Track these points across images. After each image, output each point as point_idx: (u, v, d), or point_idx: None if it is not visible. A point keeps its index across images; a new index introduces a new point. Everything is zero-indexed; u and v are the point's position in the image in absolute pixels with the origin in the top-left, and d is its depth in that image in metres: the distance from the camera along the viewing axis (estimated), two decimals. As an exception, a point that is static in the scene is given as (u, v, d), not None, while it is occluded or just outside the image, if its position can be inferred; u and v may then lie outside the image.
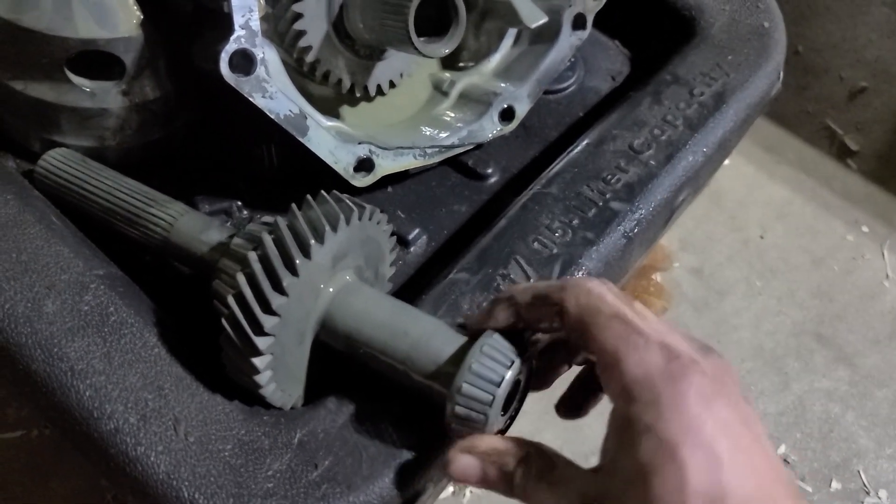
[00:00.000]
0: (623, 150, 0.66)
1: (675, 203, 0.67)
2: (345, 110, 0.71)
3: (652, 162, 0.66)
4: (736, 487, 0.37)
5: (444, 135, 0.71)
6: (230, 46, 0.56)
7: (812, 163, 1.02)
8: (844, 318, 0.90)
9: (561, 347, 0.51)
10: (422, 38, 0.61)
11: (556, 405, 0.54)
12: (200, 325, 0.54)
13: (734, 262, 0.93)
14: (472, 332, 0.50)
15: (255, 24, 0.56)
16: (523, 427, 0.79)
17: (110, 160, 0.65)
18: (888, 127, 1.05)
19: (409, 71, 0.72)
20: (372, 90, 0.70)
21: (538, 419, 0.80)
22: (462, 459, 0.46)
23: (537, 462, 0.44)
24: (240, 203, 0.68)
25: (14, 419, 0.72)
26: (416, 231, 0.68)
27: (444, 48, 0.62)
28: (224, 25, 0.56)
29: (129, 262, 0.59)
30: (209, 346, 0.53)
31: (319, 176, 0.63)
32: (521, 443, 0.46)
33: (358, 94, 0.70)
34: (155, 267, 0.63)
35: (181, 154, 0.69)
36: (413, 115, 0.75)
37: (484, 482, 0.47)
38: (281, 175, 0.70)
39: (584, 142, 0.68)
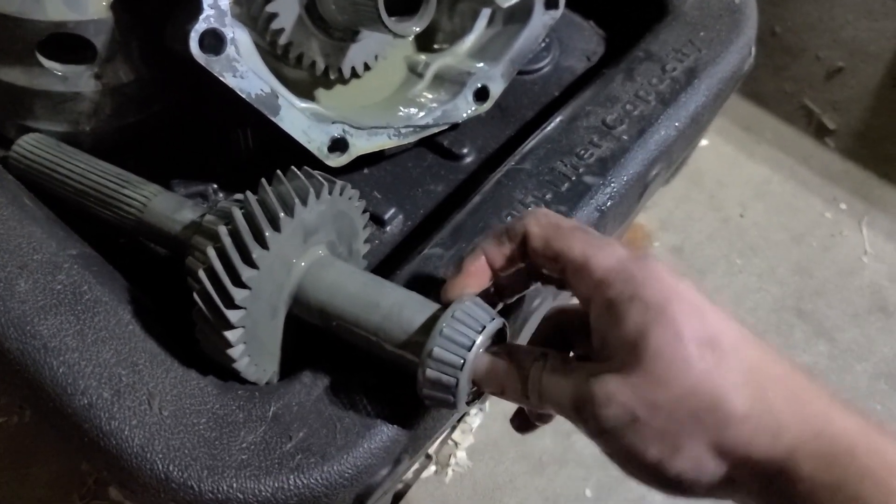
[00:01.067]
0: (596, 125, 0.67)
1: (647, 177, 0.67)
2: (320, 93, 0.71)
3: (624, 137, 0.66)
4: (726, 330, 0.41)
5: (419, 115, 0.71)
6: (199, 26, 0.56)
7: (790, 142, 1.02)
8: (824, 293, 0.90)
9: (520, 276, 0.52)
10: (393, 18, 0.61)
11: (510, 419, 0.56)
12: (175, 304, 0.55)
13: (714, 241, 0.93)
14: (446, 302, 0.50)
15: (225, 3, 0.57)
16: (504, 406, 0.79)
17: (85, 145, 0.65)
18: (865, 105, 1.06)
19: (383, 53, 0.72)
20: (346, 72, 0.70)
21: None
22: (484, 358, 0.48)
23: (553, 359, 0.46)
24: (216, 186, 0.68)
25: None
26: (392, 210, 0.69)
27: (415, 26, 0.62)
28: (193, 5, 0.56)
29: (103, 244, 0.60)
30: (184, 324, 0.53)
31: (295, 158, 0.63)
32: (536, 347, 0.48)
33: (332, 77, 0.70)
34: (129, 249, 0.63)
35: (157, 138, 0.69)
36: (388, 96, 0.75)
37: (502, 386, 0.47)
38: (256, 158, 0.71)
39: (558, 118, 0.69)
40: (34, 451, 0.70)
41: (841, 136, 1.04)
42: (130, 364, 0.51)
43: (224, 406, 0.51)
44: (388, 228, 0.68)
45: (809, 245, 0.94)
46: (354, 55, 0.70)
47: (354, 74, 0.71)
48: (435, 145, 0.74)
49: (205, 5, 0.56)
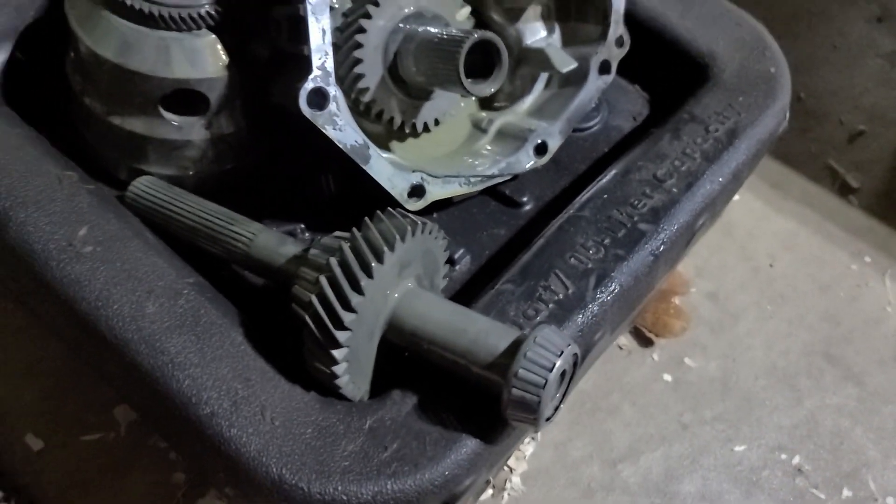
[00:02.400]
0: (648, 178, 0.74)
1: (695, 226, 0.74)
2: (395, 145, 0.79)
3: (674, 189, 0.73)
4: None
5: (485, 166, 0.79)
6: (308, 84, 0.64)
7: (816, 198, 1.09)
8: (851, 340, 0.96)
9: None
10: (469, 80, 0.69)
11: None
12: (274, 328, 0.62)
13: (746, 289, 1.00)
14: None
15: (330, 65, 0.65)
16: (555, 436, 0.86)
17: (188, 187, 0.73)
18: (886, 166, 1.13)
19: (452, 110, 0.80)
20: (419, 127, 0.78)
21: (568, 429, 0.86)
22: None
23: None
24: (303, 226, 0.76)
25: (94, 423, 0.78)
26: (461, 251, 0.76)
27: (490, 87, 0.70)
28: (303, 66, 0.64)
29: (208, 274, 0.67)
30: (284, 346, 0.60)
31: (372, 201, 0.70)
32: None
33: (407, 131, 0.78)
34: (230, 279, 0.70)
35: (250, 182, 0.77)
36: (455, 149, 0.83)
37: None
38: (338, 201, 0.78)
39: (612, 172, 0.76)
40: (127, 467, 0.76)
41: (864, 194, 1.11)
42: (244, 379, 0.58)
43: (326, 419, 0.58)
44: (457, 267, 0.75)
45: (836, 295, 1.00)
46: (427, 112, 0.78)
47: (426, 129, 0.79)
48: (497, 193, 0.81)
49: (314, 67, 0.64)
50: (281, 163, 0.78)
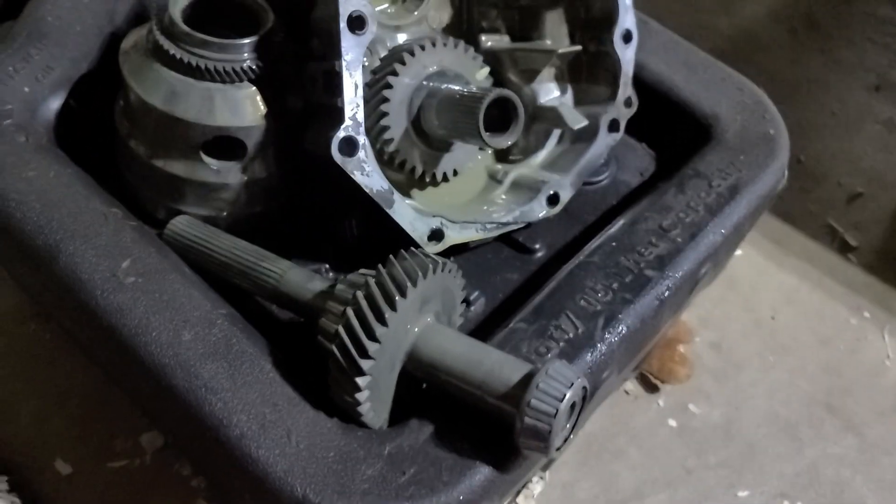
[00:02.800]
0: (654, 228, 0.79)
1: (698, 274, 0.78)
2: (415, 193, 0.84)
3: (679, 239, 0.78)
4: None
5: (500, 214, 0.83)
6: (340, 133, 0.69)
7: (816, 255, 1.13)
8: (851, 391, 0.99)
9: None
10: (487, 133, 0.74)
11: None
12: (300, 358, 0.66)
13: (749, 339, 1.03)
14: None
15: (361, 116, 0.70)
16: (563, 476, 0.88)
17: (221, 227, 0.78)
18: (883, 227, 1.18)
19: (469, 162, 0.85)
20: (439, 177, 0.83)
21: (576, 470, 0.89)
22: None
23: None
24: (327, 266, 0.80)
25: (121, 449, 0.82)
26: (476, 293, 0.80)
27: (507, 140, 0.75)
28: (335, 117, 0.70)
29: (238, 307, 0.71)
30: (308, 375, 0.64)
31: (393, 244, 0.75)
32: None
33: (427, 180, 0.83)
34: (258, 312, 0.75)
35: (278, 223, 0.81)
36: (472, 198, 0.88)
37: None
38: (360, 243, 0.82)
39: (620, 221, 0.81)
40: (152, 492, 0.79)
41: (863, 252, 1.15)
42: (272, 404, 0.62)
43: (348, 444, 0.61)
44: (472, 308, 0.79)
45: (837, 348, 1.03)
46: (446, 163, 0.83)
47: (445, 179, 0.84)
48: (510, 240, 0.86)
49: (346, 117, 0.69)
50: (307, 206, 0.83)
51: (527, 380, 0.59)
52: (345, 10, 0.68)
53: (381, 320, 0.60)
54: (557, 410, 0.57)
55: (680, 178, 0.84)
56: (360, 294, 0.61)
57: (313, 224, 0.82)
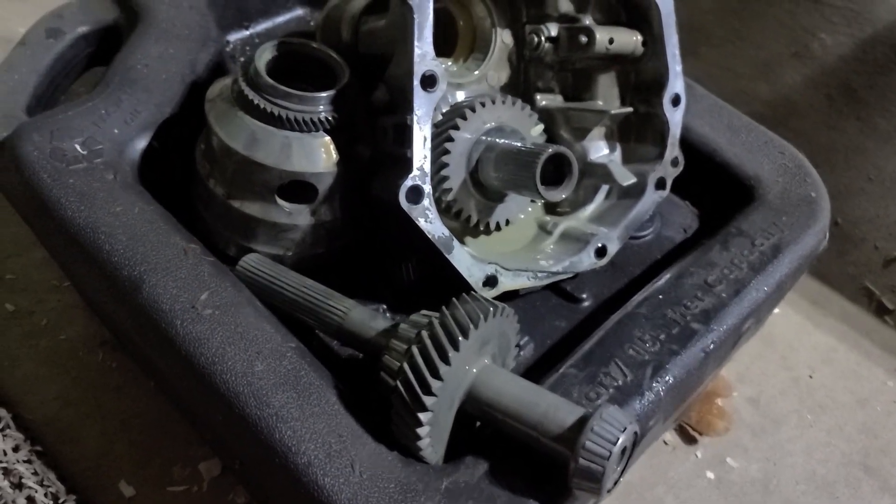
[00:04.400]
0: (699, 283, 0.82)
1: (741, 329, 0.81)
2: (469, 240, 0.88)
3: (723, 294, 0.81)
4: None
5: (549, 264, 0.87)
6: (408, 182, 0.74)
7: (853, 317, 1.16)
8: (888, 453, 1.00)
9: None
10: (543, 186, 0.78)
11: None
12: (361, 392, 0.69)
13: (786, 397, 1.05)
14: None
15: (427, 167, 0.75)
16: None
17: (286, 265, 0.82)
18: (920, 291, 1.21)
19: (521, 212, 0.89)
20: (492, 226, 0.87)
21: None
22: None
23: None
24: (385, 307, 0.84)
25: (179, 476, 0.85)
26: (526, 338, 0.83)
27: (562, 194, 0.80)
28: (404, 166, 0.74)
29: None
30: (369, 408, 0.68)
31: (447, 288, 0.79)
32: None
33: (481, 228, 0.87)
34: (319, 347, 0.78)
35: (338, 264, 0.86)
36: (522, 247, 0.92)
37: None
38: (416, 285, 0.86)
39: (667, 275, 0.84)
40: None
41: (899, 315, 1.18)
42: (337, 435, 0.65)
43: (408, 476, 0.64)
44: (522, 352, 0.82)
45: (874, 409, 1.05)
46: (500, 213, 0.87)
47: (497, 228, 0.88)
48: (558, 289, 0.89)
49: (414, 168, 0.74)
50: (367, 248, 0.87)
51: (581, 423, 0.62)
52: (419, 70, 0.73)
53: (445, 359, 0.64)
54: (611, 453, 0.60)
55: (724, 236, 0.88)
56: (424, 333, 0.65)
57: (372, 265, 0.87)
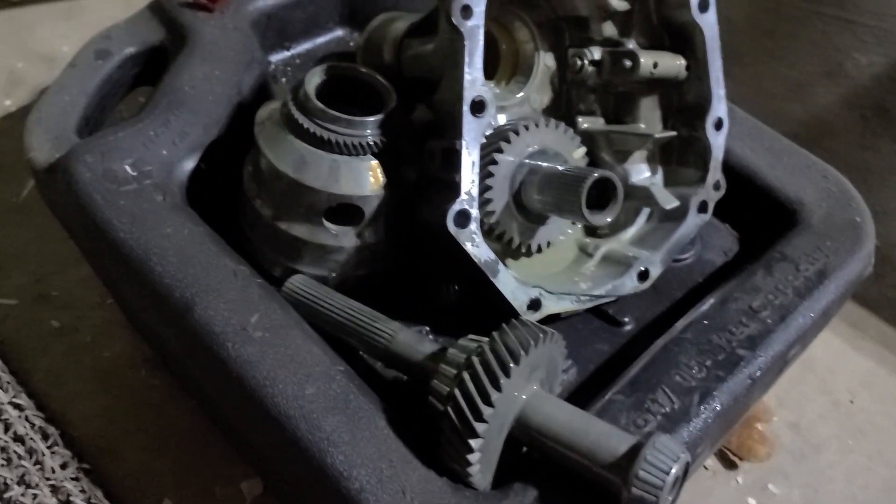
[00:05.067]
0: (744, 308, 0.81)
1: (787, 355, 0.81)
2: (510, 262, 0.88)
3: (769, 320, 0.80)
4: None
5: (590, 286, 0.87)
6: (456, 206, 0.74)
7: (893, 341, 1.14)
8: (931, 480, 0.99)
9: None
10: (587, 210, 0.79)
11: None
12: (407, 416, 0.69)
13: (826, 421, 1.04)
14: None
15: (475, 191, 0.75)
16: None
17: (329, 286, 0.83)
18: (960, 315, 1.19)
19: (562, 234, 0.90)
20: (534, 248, 0.87)
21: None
22: None
23: None
24: (428, 329, 0.84)
25: (221, 495, 0.85)
26: (569, 363, 0.83)
27: (607, 218, 0.80)
28: (452, 190, 0.75)
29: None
30: (417, 433, 0.68)
31: (490, 310, 0.79)
32: None
33: (523, 251, 0.87)
34: (363, 369, 0.79)
35: (381, 285, 0.86)
36: (562, 270, 0.92)
37: None
38: (459, 307, 0.87)
39: (711, 300, 0.84)
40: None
41: (940, 339, 1.17)
42: (388, 460, 0.65)
43: (458, 503, 0.64)
44: (565, 377, 0.82)
45: (915, 435, 1.04)
46: (542, 235, 0.87)
47: (539, 250, 0.88)
48: (600, 312, 0.89)
49: (462, 192, 0.74)
50: (410, 270, 0.87)
51: (634, 452, 0.62)
52: (469, 95, 0.73)
53: (496, 385, 0.64)
54: (664, 483, 0.59)
55: (767, 261, 0.87)
56: (475, 359, 0.65)
57: (412, 287, 0.87)
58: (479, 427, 0.63)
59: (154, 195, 0.80)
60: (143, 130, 0.83)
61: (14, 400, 0.84)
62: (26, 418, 0.83)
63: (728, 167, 0.94)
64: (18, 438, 0.81)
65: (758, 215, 0.96)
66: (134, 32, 0.98)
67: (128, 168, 0.80)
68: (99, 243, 0.77)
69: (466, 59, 0.73)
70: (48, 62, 1.23)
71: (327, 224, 0.80)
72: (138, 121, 0.85)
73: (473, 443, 0.64)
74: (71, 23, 1.31)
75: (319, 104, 0.77)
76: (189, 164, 0.85)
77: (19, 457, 0.80)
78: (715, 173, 0.91)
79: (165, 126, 0.85)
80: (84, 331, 0.96)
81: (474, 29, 0.73)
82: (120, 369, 0.93)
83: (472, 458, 0.64)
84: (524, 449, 0.71)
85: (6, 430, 0.81)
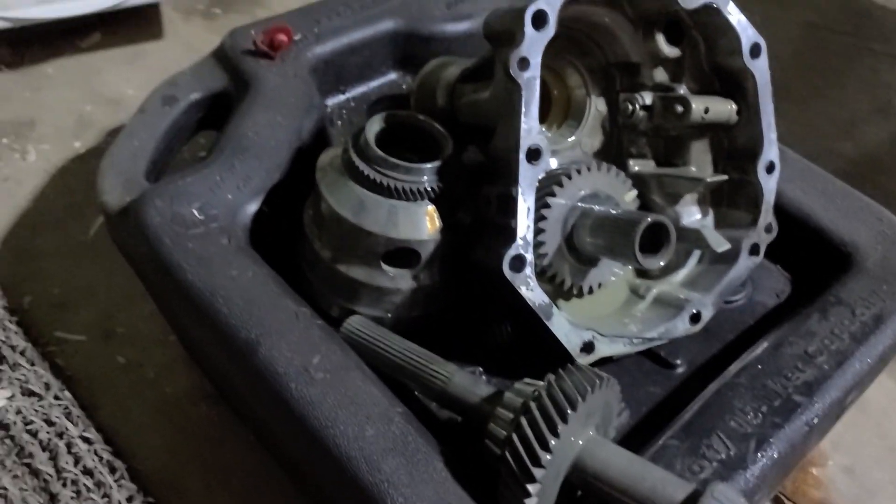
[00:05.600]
0: (799, 353, 0.81)
1: (845, 402, 0.80)
2: (561, 303, 0.90)
3: (825, 366, 0.80)
4: None
5: (641, 328, 0.88)
6: (511, 251, 0.76)
7: (950, 384, 1.13)
8: None
9: None
10: (640, 253, 0.79)
11: None
12: (461, 458, 0.70)
13: (882, 466, 1.02)
14: None
15: (530, 236, 0.77)
16: None
17: (384, 327, 0.85)
18: None
19: (613, 276, 0.90)
20: (585, 290, 0.88)
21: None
22: None
23: None
24: (481, 369, 0.86)
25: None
26: (622, 406, 0.84)
27: (660, 261, 0.81)
28: (508, 235, 0.77)
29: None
30: (472, 475, 0.69)
31: (542, 351, 0.80)
32: None
33: (574, 292, 0.88)
34: (420, 410, 0.80)
35: (435, 326, 0.88)
36: (613, 311, 0.92)
37: None
38: (510, 348, 0.88)
39: (764, 344, 0.84)
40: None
41: None
42: (446, 503, 0.66)
43: (515, 546, 0.65)
44: (619, 420, 0.83)
45: (973, 480, 1.02)
46: (593, 277, 0.88)
47: (590, 291, 0.89)
48: (652, 354, 0.89)
49: (518, 237, 0.76)
50: (462, 311, 0.89)
51: (692, 500, 0.62)
52: (525, 144, 0.75)
53: (554, 431, 0.65)
54: (725, 532, 0.60)
55: (822, 305, 0.87)
56: (532, 404, 0.66)
57: (464, 327, 0.89)
58: (537, 472, 0.64)
59: (220, 238, 0.83)
60: (210, 175, 0.87)
61: (84, 434, 0.87)
62: (95, 452, 0.86)
63: (780, 209, 0.95)
64: (87, 471, 0.84)
65: (811, 258, 0.96)
66: (199, 79, 1.02)
67: (195, 212, 0.84)
68: (167, 284, 0.80)
69: (523, 109, 0.75)
70: (114, 105, 1.29)
71: (385, 267, 0.82)
72: (205, 166, 0.88)
73: (531, 487, 0.64)
74: (135, 66, 1.37)
75: (379, 151, 0.80)
76: (252, 208, 0.88)
77: (88, 489, 0.83)
78: (767, 216, 0.91)
79: (231, 171, 0.88)
80: (148, 367, 0.99)
81: (531, 80, 0.75)
82: (181, 404, 0.96)
83: (529, 502, 0.65)
84: (579, 493, 0.72)
85: (76, 462, 0.84)
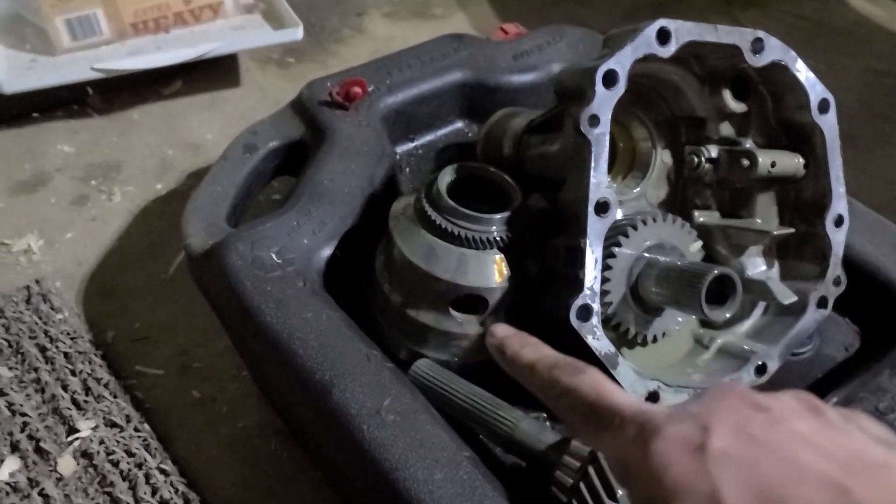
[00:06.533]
0: (870, 410, 0.81)
1: (917, 460, 0.79)
2: (625, 351, 0.91)
3: (897, 423, 0.79)
4: None
5: (706, 379, 0.88)
6: (579, 301, 0.78)
7: None
8: None
9: None
10: (706, 305, 0.80)
11: None
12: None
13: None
14: None
15: (597, 287, 0.79)
16: None
17: (452, 371, 0.87)
18: None
19: (677, 325, 0.91)
20: (649, 339, 0.89)
21: None
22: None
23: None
24: (545, 415, 0.87)
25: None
26: (686, 456, 0.84)
27: (726, 314, 0.81)
28: (575, 285, 0.78)
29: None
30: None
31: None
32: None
33: (638, 341, 0.89)
34: (485, 454, 0.82)
35: (499, 373, 0.89)
36: (677, 361, 0.93)
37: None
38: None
39: (834, 399, 0.83)
40: None
41: None
42: (513, 548, 0.68)
43: None
44: (682, 471, 0.83)
45: None
46: (657, 326, 0.89)
47: (654, 340, 0.90)
48: (717, 406, 0.89)
49: (585, 287, 0.78)
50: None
51: None
52: (594, 197, 0.77)
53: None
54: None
55: (893, 360, 0.86)
56: (601, 454, 0.68)
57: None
58: (604, 523, 0.65)
59: (296, 281, 0.87)
60: (288, 221, 0.91)
61: (161, 465, 0.91)
62: (171, 483, 0.89)
63: (848, 261, 0.94)
64: (164, 502, 0.88)
65: (881, 311, 0.95)
66: (277, 128, 1.07)
67: (273, 256, 0.88)
68: (246, 324, 0.84)
69: (592, 164, 0.77)
70: (194, 149, 1.35)
71: (453, 312, 0.85)
72: (283, 212, 0.93)
73: (598, 538, 0.66)
74: (214, 112, 1.44)
75: (451, 202, 0.83)
76: (326, 252, 0.92)
77: (163, 520, 0.87)
78: (835, 269, 0.91)
79: (307, 217, 0.92)
80: (221, 401, 1.03)
81: (601, 136, 0.77)
82: (252, 440, 1.00)
83: (596, 554, 0.66)
84: (644, 544, 0.72)
85: (153, 493, 0.88)
